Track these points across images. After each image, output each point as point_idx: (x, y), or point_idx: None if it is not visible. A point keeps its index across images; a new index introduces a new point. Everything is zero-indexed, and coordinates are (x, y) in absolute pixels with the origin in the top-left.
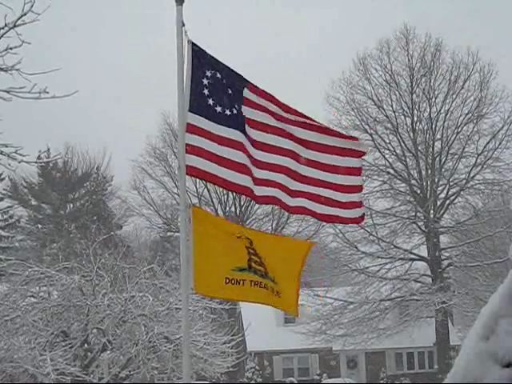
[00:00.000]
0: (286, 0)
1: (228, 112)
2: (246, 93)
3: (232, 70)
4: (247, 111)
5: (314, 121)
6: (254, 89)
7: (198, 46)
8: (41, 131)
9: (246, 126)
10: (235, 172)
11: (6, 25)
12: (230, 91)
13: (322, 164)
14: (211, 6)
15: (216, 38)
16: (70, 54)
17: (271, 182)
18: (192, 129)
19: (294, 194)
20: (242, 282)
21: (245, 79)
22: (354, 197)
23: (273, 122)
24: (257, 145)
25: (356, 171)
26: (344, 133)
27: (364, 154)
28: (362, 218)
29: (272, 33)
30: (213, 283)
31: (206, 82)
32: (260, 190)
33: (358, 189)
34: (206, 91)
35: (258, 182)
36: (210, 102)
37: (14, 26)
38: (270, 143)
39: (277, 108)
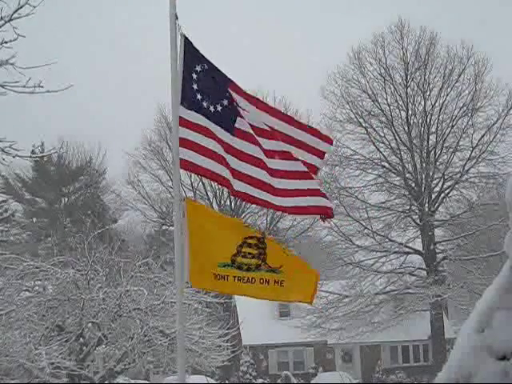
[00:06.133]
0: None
1: (212, 109)
2: (231, 92)
3: (217, 68)
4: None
5: (293, 122)
6: (236, 88)
7: (188, 40)
8: (35, 125)
9: (238, 118)
10: (223, 166)
11: (1, 18)
12: (215, 88)
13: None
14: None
15: (214, 34)
16: (65, 47)
17: (248, 178)
18: (184, 123)
19: (275, 192)
20: (226, 278)
21: (228, 78)
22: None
23: (246, 125)
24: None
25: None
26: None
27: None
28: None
29: (272, 31)
30: (206, 276)
31: (195, 76)
32: (237, 184)
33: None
34: (195, 86)
35: (236, 174)
36: (199, 96)
37: (10, 19)
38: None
39: (254, 110)
